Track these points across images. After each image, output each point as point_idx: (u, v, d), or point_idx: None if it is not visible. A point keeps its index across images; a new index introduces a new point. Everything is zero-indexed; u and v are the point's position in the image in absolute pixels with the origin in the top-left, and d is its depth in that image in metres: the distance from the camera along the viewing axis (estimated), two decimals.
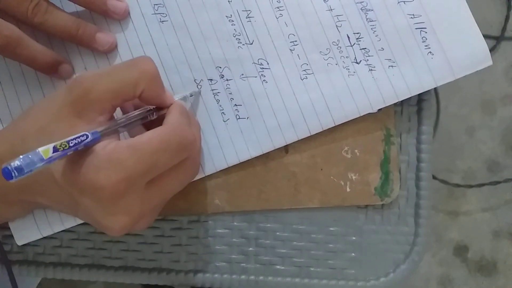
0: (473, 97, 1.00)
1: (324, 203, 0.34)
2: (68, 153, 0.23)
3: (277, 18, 0.33)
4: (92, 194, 0.24)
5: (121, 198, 0.24)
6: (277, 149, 0.33)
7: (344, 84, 0.33)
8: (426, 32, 0.32)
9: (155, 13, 0.33)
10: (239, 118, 0.33)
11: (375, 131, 0.34)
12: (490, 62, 0.32)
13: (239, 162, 0.33)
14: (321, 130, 0.33)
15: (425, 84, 0.32)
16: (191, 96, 0.32)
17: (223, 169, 0.33)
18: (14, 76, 0.34)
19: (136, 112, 0.28)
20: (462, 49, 0.32)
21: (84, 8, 0.33)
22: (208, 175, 0.34)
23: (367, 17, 0.32)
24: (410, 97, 0.32)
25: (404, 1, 0.32)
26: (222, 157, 0.33)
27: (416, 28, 0.32)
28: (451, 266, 1.00)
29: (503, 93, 1.00)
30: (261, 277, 0.34)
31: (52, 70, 0.32)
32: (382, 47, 0.32)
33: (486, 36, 0.35)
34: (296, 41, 0.33)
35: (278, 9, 0.33)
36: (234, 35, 0.33)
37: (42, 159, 0.21)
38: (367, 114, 0.33)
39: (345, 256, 0.34)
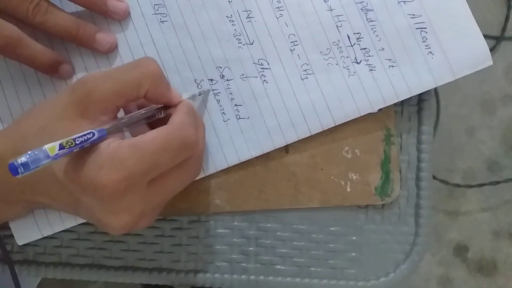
0: (473, 97, 1.00)
1: (325, 203, 0.34)
2: (74, 151, 0.23)
3: (277, 18, 0.33)
4: (94, 192, 0.24)
5: (123, 197, 0.25)
6: (277, 149, 0.33)
7: (344, 84, 0.33)
8: (426, 32, 0.32)
9: (155, 13, 0.33)
10: (239, 118, 0.33)
11: (375, 131, 0.34)
12: (490, 62, 0.32)
13: (239, 162, 0.33)
14: (321, 130, 0.33)
15: (425, 84, 0.32)
16: (199, 95, 0.32)
17: (224, 169, 0.34)
18: (14, 75, 0.34)
19: (143, 111, 0.28)
20: (462, 49, 0.32)
21: (84, 8, 0.33)
22: (208, 175, 0.34)
23: (367, 17, 0.32)
24: (410, 97, 0.32)
25: (404, 1, 0.32)
26: (223, 157, 0.33)
27: (416, 28, 0.32)
28: (451, 266, 1.00)
29: (503, 93, 1.00)
30: (261, 277, 0.34)
31: (52, 70, 0.32)
32: (382, 47, 0.32)
33: (486, 36, 0.35)
34: (296, 41, 0.33)
35: (278, 9, 0.33)
36: (235, 35, 0.33)
37: (48, 156, 0.21)
38: (367, 114, 0.33)
39: (345, 256, 0.35)
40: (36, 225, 0.34)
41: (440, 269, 1.00)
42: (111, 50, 0.33)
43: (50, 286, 0.93)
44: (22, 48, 0.30)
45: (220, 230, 0.35)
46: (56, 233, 0.34)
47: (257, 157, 0.33)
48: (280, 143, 0.33)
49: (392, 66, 0.32)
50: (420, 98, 0.34)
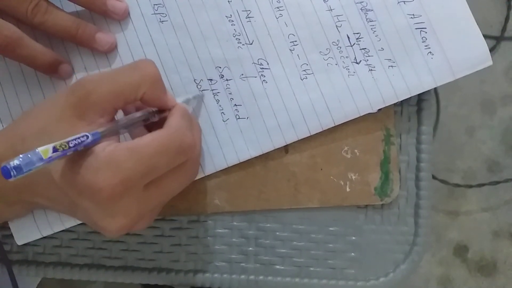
0: (473, 97, 1.00)
1: (324, 203, 0.34)
2: (68, 154, 0.23)
3: (277, 18, 0.33)
4: (90, 195, 0.24)
5: (119, 200, 0.24)
6: (277, 149, 0.33)
7: (344, 84, 0.33)
8: (426, 32, 0.32)
9: (155, 13, 0.33)
10: (238, 118, 0.33)
11: (375, 131, 0.34)
12: (490, 62, 0.32)
13: (239, 162, 0.33)
14: (321, 130, 0.33)
15: (425, 84, 0.32)
16: (194, 99, 0.32)
17: (223, 169, 0.34)
18: (14, 75, 0.34)
19: (138, 114, 0.28)
20: (462, 49, 0.32)
21: (84, 8, 0.33)
22: (208, 175, 0.34)
23: (367, 17, 0.32)
24: (410, 97, 0.32)
25: (404, 1, 0.32)
26: (222, 157, 0.33)
27: (416, 28, 0.32)
28: (451, 266, 1.00)
29: (503, 93, 1.00)
30: (261, 277, 0.34)
31: (52, 70, 0.32)
32: (382, 47, 0.32)
33: (486, 36, 0.35)
34: (296, 41, 0.33)
35: (278, 9, 0.33)
36: (234, 35, 0.33)
37: (41, 159, 0.21)
38: (367, 114, 0.33)
39: (345, 256, 0.35)
40: (36, 225, 0.34)
41: (440, 269, 1.00)
42: (111, 50, 0.33)
43: (50, 286, 0.93)
44: (22, 48, 0.30)
45: (220, 230, 0.35)
46: (55, 233, 0.34)
47: (256, 157, 0.33)
48: (280, 143, 0.33)
49: (391, 66, 0.32)
50: (420, 98, 0.34)
